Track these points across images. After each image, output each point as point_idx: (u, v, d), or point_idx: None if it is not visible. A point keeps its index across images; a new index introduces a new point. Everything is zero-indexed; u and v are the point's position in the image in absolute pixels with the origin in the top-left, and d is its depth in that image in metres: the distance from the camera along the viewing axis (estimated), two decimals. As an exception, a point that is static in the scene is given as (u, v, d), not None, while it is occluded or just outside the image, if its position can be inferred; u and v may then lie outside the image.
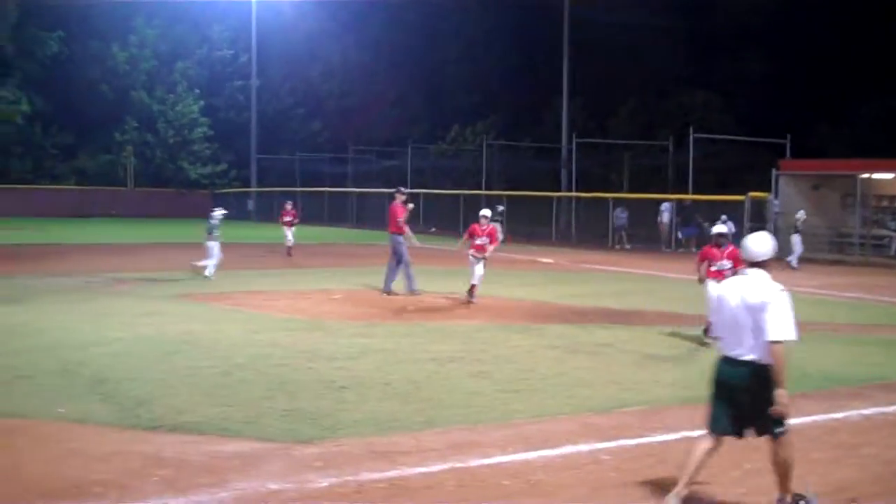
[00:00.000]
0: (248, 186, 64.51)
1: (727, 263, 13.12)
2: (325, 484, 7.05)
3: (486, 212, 18.91)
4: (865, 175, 32.30)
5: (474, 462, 7.65)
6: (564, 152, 48.05)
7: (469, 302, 17.88)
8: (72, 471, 7.26)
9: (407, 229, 19.81)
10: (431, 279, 21.01)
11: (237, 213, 62.19)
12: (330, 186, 58.56)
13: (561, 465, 7.67)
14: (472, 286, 18.03)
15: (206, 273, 21.77)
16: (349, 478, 7.18)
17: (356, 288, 20.55)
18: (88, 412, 9.04)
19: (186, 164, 64.66)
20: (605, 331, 14.94)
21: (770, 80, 55.12)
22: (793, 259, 27.69)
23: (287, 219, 30.53)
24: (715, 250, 13.68)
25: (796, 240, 27.91)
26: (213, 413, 9.03)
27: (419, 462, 7.61)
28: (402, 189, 21.28)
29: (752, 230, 29.19)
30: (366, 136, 66.13)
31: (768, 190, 33.14)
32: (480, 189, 48.51)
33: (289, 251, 29.65)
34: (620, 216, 38.05)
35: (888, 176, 33.41)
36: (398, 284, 19.44)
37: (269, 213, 60.48)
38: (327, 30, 68.12)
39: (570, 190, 45.73)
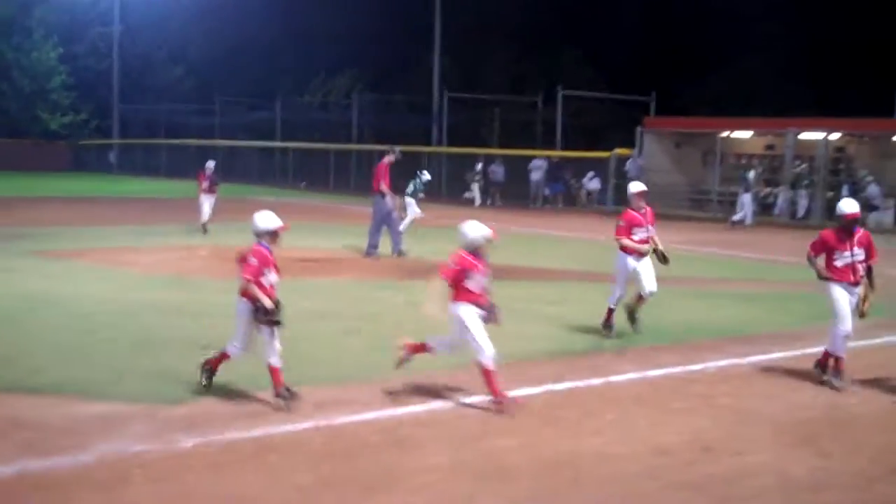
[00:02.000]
0: (110, 138, 62.42)
1: None
2: (190, 444, 6.97)
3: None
4: (725, 133, 33.44)
5: (341, 419, 7.69)
6: (435, 107, 48.10)
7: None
8: (-79, 436, 6.99)
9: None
10: (304, 235, 20.82)
11: (98, 166, 60.26)
12: (196, 138, 57.14)
13: (427, 420, 7.78)
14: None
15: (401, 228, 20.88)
16: (215, 437, 7.12)
17: (223, 243, 20.21)
18: (-61, 375, 8.69)
19: (45, 113, 62.00)
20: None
21: (636, 38, 56.25)
22: (744, 217, 28.46)
23: (205, 184, 23.18)
24: (636, 214, 11.77)
25: (746, 199, 28.58)
26: (73, 374, 8.80)
27: (285, 420, 7.61)
28: (396, 148, 20.91)
29: (617, 186, 30.00)
30: (234, 86, 64.63)
31: (634, 147, 34.00)
32: (351, 143, 48.19)
33: (204, 227, 22.50)
34: (496, 171, 38.31)
35: (746, 135, 34.68)
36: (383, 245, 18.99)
37: (130, 166, 58.78)
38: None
39: (440, 145, 45.87)
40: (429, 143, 46.15)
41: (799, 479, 6.65)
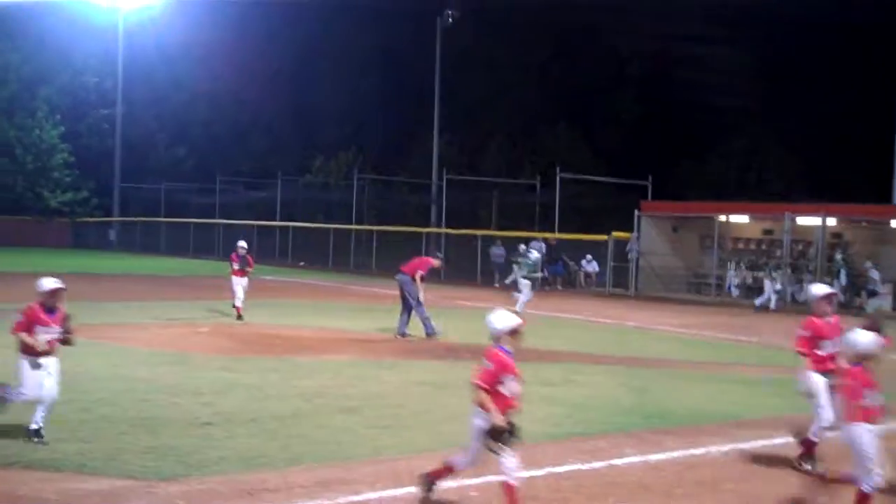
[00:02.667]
0: (111, 215, 62.73)
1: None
2: (189, 523, 6.87)
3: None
4: (722, 218, 33.65)
5: (342, 499, 7.59)
6: (434, 188, 48.49)
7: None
8: (-83, 512, 6.89)
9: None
10: (305, 313, 20.84)
11: (98, 243, 60.47)
12: (196, 217, 57.42)
13: (430, 501, 7.67)
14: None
15: (517, 308, 21.24)
16: (214, 516, 7.02)
17: (223, 321, 20.18)
18: (-64, 450, 8.59)
19: (46, 191, 62.40)
20: (474, 367, 15.01)
21: (633, 122, 57.08)
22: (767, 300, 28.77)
23: (236, 266, 21.05)
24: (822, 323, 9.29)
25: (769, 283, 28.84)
26: (71, 450, 8.71)
27: (286, 499, 7.51)
28: (440, 254, 21.69)
29: (616, 269, 29.97)
30: (234, 166, 65.28)
31: (631, 230, 34.16)
32: (351, 223, 48.44)
33: (238, 313, 20.47)
34: (496, 253, 38.43)
35: (744, 219, 34.89)
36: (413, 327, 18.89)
37: (130, 243, 58.97)
38: (195, 55, 67.13)
39: (439, 225, 46.12)
40: (427, 224, 46.41)
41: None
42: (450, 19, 48.24)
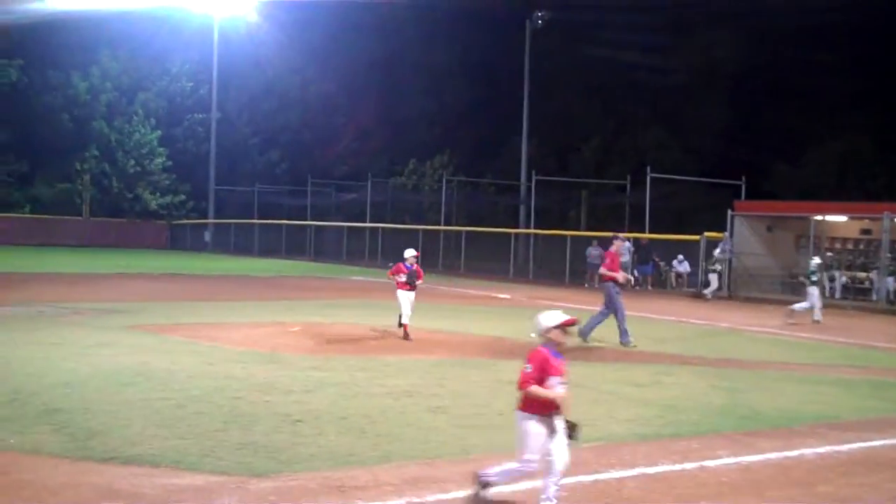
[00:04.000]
0: (206, 218, 64.19)
1: None
2: (280, 518, 6.97)
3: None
4: (819, 217, 32.87)
5: (431, 497, 7.61)
6: (523, 189, 48.40)
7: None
8: (23, 503, 7.13)
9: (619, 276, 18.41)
10: (387, 313, 20.95)
11: (193, 244, 61.95)
12: (288, 219, 58.42)
13: (518, 501, 7.66)
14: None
15: (815, 318, 22.22)
16: (305, 512, 7.11)
17: (313, 320, 20.46)
18: (40, 443, 8.89)
19: (147, 193, 64.19)
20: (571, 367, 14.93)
21: (726, 121, 56.10)
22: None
23: (403, 279, 18.15)
24: None
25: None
26: (167, 445, 8.91)
27: (375, 497, 7.56)
28: (620, 234, 20.25)
29: (708, 271, 29.48)
30: (325, 169, 66.23)
31: (724, 230, 33.60)
32: (440, 224, 48.65)
33: (405, 331, 17.83)
34: (593, 254, 38.18)
35: (841, 218, 34.03)
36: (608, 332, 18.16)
37: (224, 244, 60.25)
38: (288, 62, 68.36)
39: (528, 226, 46.02)
40: (516, 225, 46.35)
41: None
42: (539, 21, 48.12)
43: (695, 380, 14.36)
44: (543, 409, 7.00)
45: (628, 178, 46.53)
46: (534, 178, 46.01)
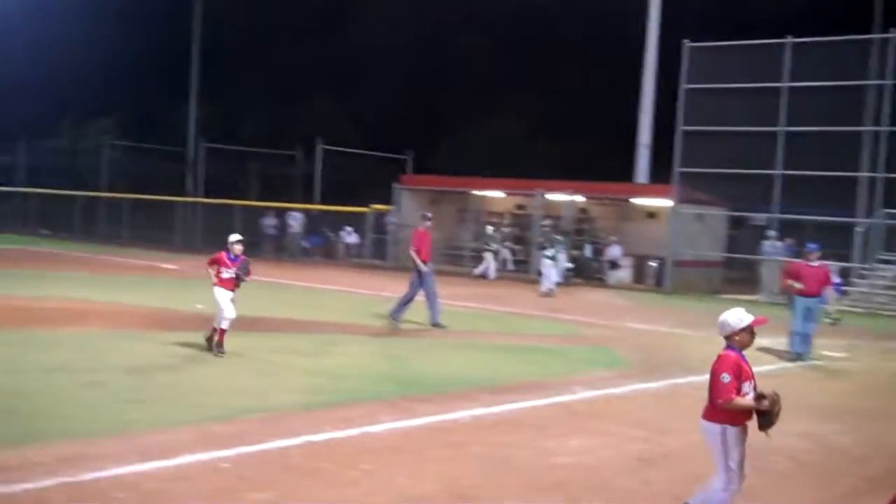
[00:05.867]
0: None
1: None
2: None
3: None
4: (478, 192, 34.64)
5: (86, 476, 7.21)
6: (191, 156, 47.04)
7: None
8: None
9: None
10: (48, 284, 19.69)
11: None
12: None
13: (178, 475, 7.44)
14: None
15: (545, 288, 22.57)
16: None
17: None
18: None
19: None
20: (228, 338, 14.71)
21: (396, 97, 57.55)
22: (486, 271, 29.84)
23: (230, 274, 13.11)
24: None
25: (488, 255, 28.81)
26: None
27: (24, 478, 7.04)
28: (428, 214, 19.53)
29: (376, 241, 30.30)
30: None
31: (390, 202, 34.55)
32: (101, 191, 46.17)
33: (220, 339, 13.06)
34: (268, 224, 37.86)
35: (499, 194, 36.06)
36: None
37: None
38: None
39: (196, 195, 44.82)
40: (183, 193, 44.97)
41: (549, 523, 6.83)
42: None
43: (360, 349, 14.68)
44: (745, 418, 6.35)
45: (299, 149, 46.53)
46: (202, 145, 44.83)
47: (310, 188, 42.63)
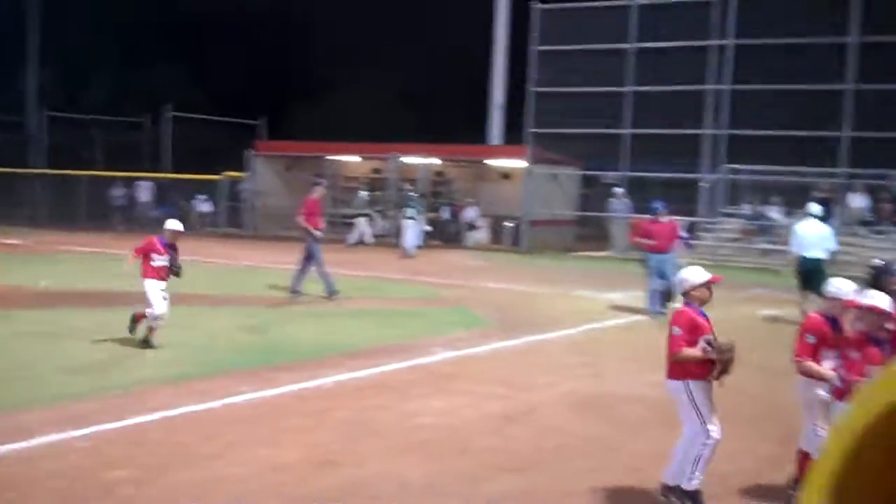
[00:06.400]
0: None
1: None
2: None
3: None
4: (334, 157, 34.42)
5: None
6: (32, 125, 45.09)
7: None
8: None
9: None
10: None
11: None
12: None
13: (35, 456, 7.25)
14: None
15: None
16: None
17: None
18: None
19: None
20: (81, 314, 14.32)
21: (249, 61, 56.42)
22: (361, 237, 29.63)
23: (161, 262, 12.37)
24: None
25: (361, 221, 28.99)
26: None
27: None
28: (320, 180, 18.89)
29: (230, 209, 29.75)
30: None
31: (244, 170, 33.98)
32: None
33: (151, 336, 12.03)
34: (116, 195, 36.70)
35: (355, 159, 35.93)
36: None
37: None
38: None
39: (38, 166, 43.02)
40: (25, 165, 43.08)
41: (415, 483, 6.97)
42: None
43: (221, 320, 14.49)
44: (704, 372, 6.40)
45: (147, 116, 45.20)
46: (45, 113, 43.01)
47: (157, 157, 41.49)
